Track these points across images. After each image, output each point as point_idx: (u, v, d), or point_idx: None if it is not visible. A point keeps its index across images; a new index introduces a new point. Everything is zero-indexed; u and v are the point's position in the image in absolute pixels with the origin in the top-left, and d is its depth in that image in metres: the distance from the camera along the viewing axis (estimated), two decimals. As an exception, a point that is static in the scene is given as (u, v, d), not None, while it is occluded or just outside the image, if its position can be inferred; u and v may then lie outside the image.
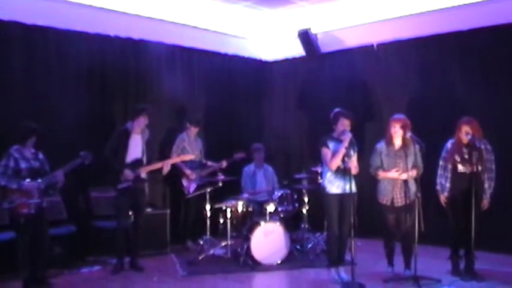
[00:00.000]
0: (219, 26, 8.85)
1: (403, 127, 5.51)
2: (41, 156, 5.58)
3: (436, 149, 5.83)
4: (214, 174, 7.26)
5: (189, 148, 7.42)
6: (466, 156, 5.58)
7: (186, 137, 7.52)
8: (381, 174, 5.64)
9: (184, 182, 7.45)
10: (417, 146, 5.54)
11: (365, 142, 7.32)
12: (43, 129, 5.70)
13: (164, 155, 7.48)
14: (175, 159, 6.87)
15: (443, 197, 5.73)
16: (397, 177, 5.54)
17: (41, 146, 5.65)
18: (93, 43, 7.23)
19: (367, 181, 7.38)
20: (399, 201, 5.58)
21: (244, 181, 7.55)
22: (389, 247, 5.82)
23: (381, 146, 5.71)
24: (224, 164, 7.51)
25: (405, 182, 5.54)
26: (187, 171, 7.38)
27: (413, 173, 5.54)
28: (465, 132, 5.53)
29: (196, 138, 7.66)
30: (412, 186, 5.57)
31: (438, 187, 5.77)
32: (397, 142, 5.61)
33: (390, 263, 5.85)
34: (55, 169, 5.51)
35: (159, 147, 7.74)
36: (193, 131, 7.57)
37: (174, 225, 7.47)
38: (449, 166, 5.66)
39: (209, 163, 7.60)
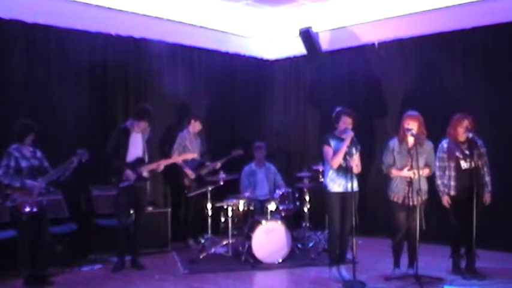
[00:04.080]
0: (220, 25, 8.84)
1: (419, 124, 5.46)
2: (38, 154, 5.59)
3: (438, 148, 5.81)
4: (215, 173, 7.26)
5: (190, 147, 7.42)
6: (467, 152, 5.55)
7: (187, 135, 7.52)
8: (394, 172, 5.54)
9: (186, 182, 7.45)
10: (431, 144, 5.51)
11: (366, 140, 7.31)
12: (44, 127, 5.70)
13: (164, 153, 7.49)
14: (176, 159, 6.88)
15: (447, 198, 5.60)
16: (410, 175, 5.45)
17: (42, 145, 5.66)
18: (94, 42, 7.23)
19: (370, 179, 7.42)
20: (411, 200, 5.46)
21: (243, 181, 7.54)
22: (398, 246, 5.68)
23: (394, 143, 5.60)
24: (218, 164, 7.50)
25: (418, 180, 5.40)
26: (188, 171, 7.38)
27: (425, 171, 5.51)
28: (464, 130, 5.49)
29: (196, 137, 7.66)
30: (425, 185, 5.53)
31: (441, 188, 5.63)
32: (411, 140, 5.51)
33: (396, 264, 5.73)
34: (55, 167, 5.54)
35: (159, 146, 7.75)
36: (196, 127, 7.56)
37: (176, 223, 7.48)
38: (452, 164, 5.57)
39: (207, 163, 7.61)
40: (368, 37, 8.32)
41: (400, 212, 5.56)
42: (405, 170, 5.47)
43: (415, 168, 5.36)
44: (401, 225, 5.56)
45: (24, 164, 5.38)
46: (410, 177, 5.45)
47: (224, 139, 8.60)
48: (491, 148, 5.70)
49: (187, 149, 7.35)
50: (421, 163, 5.43)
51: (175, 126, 7.87)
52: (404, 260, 5.71)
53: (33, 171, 5.41)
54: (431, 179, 5.65)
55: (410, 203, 5.47)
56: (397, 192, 5.55)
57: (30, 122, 5.54)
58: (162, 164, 6.36)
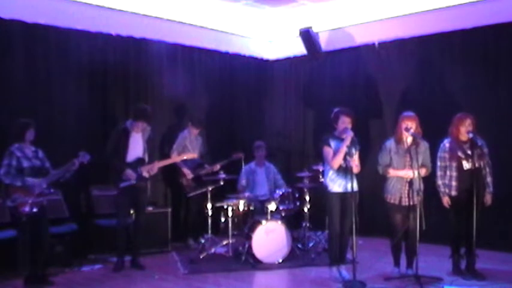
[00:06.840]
0: (220, 25, 8.84)
1: (417, 124, 5.45)
2: (40, 154, 5.58)
3: (438, 147, 5.80)
4: (215, 173, 7.26)
5: (190, 147, 7.42)
6: (469, 152, 5.53)
7: (188, 135, 7.51)
8: (392, 172, 5.52)
9: (184, 181, 7.44)
10: (427, 144, 5.50)
11: (366, 140, 7.32)
12: (44, 127, 5.70)
13: (164, 153, 7.48)
14: (174, 159, 6.89)
15: (447, 199, 5.58)
16: (408, 175, 5.44)
17: (42, 144, 5.66)
18: (94, 42, 7.22)
19: (369, 179, 7.40)
20: (408, 200, 5.46)
21: (241, 179, 7.52)
22: (396, 247, 5.69)
23: (390, 143, 5.60)
24: (217, 167, 7.49)
25: (415, 180, 5.40)
26: (186, 171, 7.38)
27: (422, 171, 5.48)
28: (466, 129, 5.47)
29: (197, 137, 7.66)
30: (421, 185, 5.51)
31: (442, 188, 5.61)
32: (408, 140, 5.50)
33: (397, 263, 5.74)
34: (54, 167, 5.53)
35: (159, 146, 7.75)
36: (194, 131, 7.56)
37: (176, 223, 7.48)
38: (454, 164, 5.53)
39: (205, 165, 7.59)
40: (368, 37, 8.32)
41: (396, 213, 5.56)
42: (404, 169, 5.46)
43: (414, 168, 5.35)
44: (399, 227, 5.57)
45: (26, 164, 5.37)
46: (410, 177, 5.44)
47: (224, 139, 8.61)
48: (490, 148, 5.69)
49: (187, 149, 7.34)
50: (419, 163, 5.39)
51: (175, 127, 7.87)
52: (403, 260, 5.71)
53: (34, 172, 5.40)
54: (425, 178, 5.63)
55: (410, 203, 5.46)
56: (394, 193, 5.55)
57: (25, 120, 5.51)
58: (155, 166, 6.35)
